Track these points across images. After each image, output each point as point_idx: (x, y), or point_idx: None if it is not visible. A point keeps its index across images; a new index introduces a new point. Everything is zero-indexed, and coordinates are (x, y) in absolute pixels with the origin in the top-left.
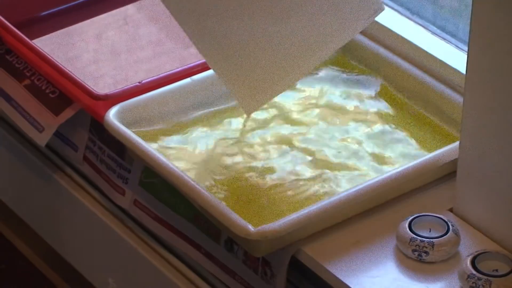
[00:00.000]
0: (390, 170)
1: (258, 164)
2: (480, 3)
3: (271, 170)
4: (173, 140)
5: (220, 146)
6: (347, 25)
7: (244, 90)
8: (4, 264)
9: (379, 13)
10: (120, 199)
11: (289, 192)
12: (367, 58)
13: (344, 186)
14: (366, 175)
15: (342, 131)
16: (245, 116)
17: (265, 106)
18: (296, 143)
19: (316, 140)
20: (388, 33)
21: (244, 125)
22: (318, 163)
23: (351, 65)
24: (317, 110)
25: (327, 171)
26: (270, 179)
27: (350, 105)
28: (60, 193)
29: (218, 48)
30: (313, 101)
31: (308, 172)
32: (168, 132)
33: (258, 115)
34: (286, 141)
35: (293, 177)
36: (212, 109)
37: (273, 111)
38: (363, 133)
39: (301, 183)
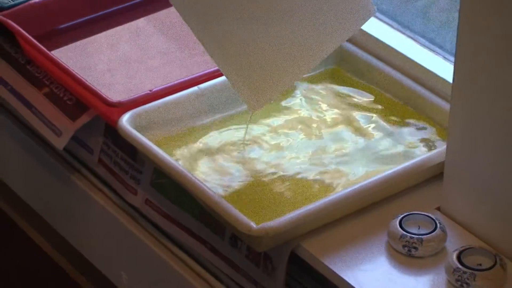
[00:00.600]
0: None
1: (261, 165)
2: (466, 18)
3: (276, 169)
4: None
5: (225, 149)
6: (343, 27)
7: (248, 88)
8: (23, 258)
9: (372, 16)
10: (133, 198)
11: (290, 191)
12: (361, 69)
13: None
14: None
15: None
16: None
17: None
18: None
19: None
20: (381, 44)
21: (245, 131)
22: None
23: (346, 77)
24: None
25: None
26: (272, 178)
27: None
28: (77, 193)
29: (224, 48)
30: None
31: (308, 173)
32: (176, 136)
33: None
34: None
35: (295, 177)
36: (218, 115)
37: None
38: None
39: (302, 182)
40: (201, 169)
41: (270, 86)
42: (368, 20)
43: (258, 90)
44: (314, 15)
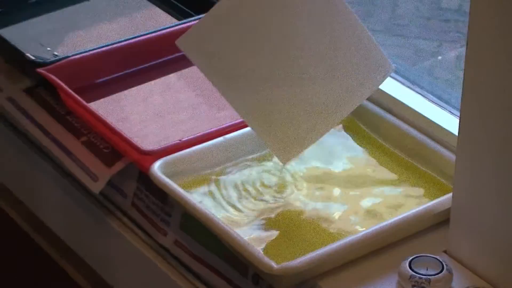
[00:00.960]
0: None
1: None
2: (470, 77)
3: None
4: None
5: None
6: (364, 84)
7: (278, 142)
8: None
9: (391, 72)
10: (163, 239)
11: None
12: (373, 121)
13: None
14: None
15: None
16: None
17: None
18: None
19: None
20: (392, 99)
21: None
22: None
23: (360, 128)
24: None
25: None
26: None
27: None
28: (111, 233)
29: (253, 108)
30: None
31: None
32: (204, 182)
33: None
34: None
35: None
36: (242, 163)
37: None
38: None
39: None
40: (226, 209)
41: (299, 140)
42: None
43: (288, 144)
44: (337, 73)
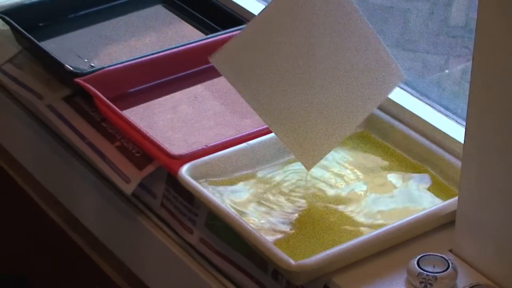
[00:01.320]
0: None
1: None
2: (475, 90)
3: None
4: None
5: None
6: (378, 91)
7: (302, 148)
8: (96, 285)
9: (402, 80)
10: (189, 237)
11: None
12: (385, 130)
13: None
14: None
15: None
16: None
17: None
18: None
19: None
20: (402, 109)
21: (305, 181)
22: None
23: (372, 138)
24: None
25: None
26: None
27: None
28: (142, 231)
29: (279, 117)
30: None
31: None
32: (228, 184)
33: None
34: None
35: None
36: (264, 167)
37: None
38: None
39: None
40: (249, 211)
41: (321, 145)
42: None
43: (310, 150)
44: (353, 82)
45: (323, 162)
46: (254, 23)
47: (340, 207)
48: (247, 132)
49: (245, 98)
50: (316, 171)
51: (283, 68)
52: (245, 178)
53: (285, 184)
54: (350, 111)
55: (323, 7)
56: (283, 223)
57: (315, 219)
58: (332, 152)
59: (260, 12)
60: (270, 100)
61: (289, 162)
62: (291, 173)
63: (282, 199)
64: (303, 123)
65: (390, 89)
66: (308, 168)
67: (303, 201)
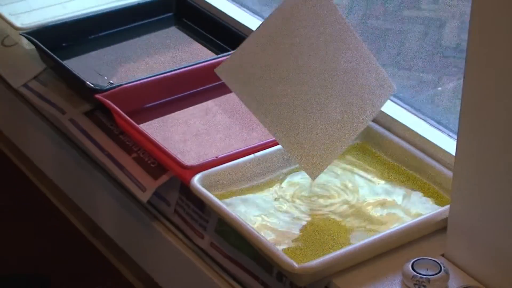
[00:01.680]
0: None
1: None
2: (467, 107)
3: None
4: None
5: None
6: (374, 103)
7: (306, 158)
8: (114, 286)
9: (393, 91)
10: (200, 241)
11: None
12: (382, 143)
13: None
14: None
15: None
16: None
17: None
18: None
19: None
20: (398, 124)
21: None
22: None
23: (370, 150)
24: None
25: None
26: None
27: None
28: (156, 236)
29: (284, 128)
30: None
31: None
32: (236, 193)
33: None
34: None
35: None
36: (269, 177)
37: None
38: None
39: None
40: (255, 216)
41: (324, 154)
42: (390, 104)
43: (315, 159)
44: (351, 95)
45: (327, 172)
46: (255, 35)
47: (341, 218)
48: (254, 145)
49: (250, 108)
50: (319, 180)
51: (285, 79)
52: (253, 187)
53: (289, 193)
54: (349, 122)
55: (318, 24)
56: (287, 230)
57: (318, 229)
58: (334, 164)
59: (261, 24)
60: (274, 110)
61: (294, 170)
62: (294, 183)
63: (286, 207)
64: (306, 133)
65: (383, 101)
66: (313, 177)
67: (307, 209)
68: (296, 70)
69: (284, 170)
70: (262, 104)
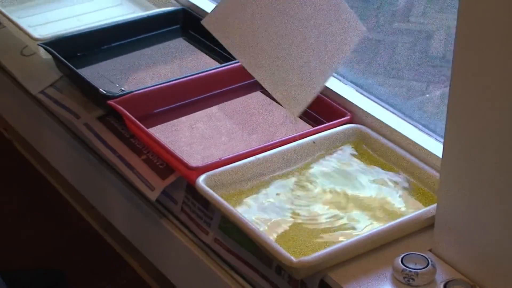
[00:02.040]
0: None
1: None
2: (453, 113)
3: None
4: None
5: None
6: (345, 43)
7: (288, 99)
8: (125, 280)
9: (362, 34)
10: (205, 237)
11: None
12: (374, 146)
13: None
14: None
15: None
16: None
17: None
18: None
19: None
20: (390, 129)
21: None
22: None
23: (364, 151)
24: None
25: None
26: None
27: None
28: (164, 232)
29: (267, 73)
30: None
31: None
32: (238, 192)
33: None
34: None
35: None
36: (267, 177)
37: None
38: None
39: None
40: (256, 213)
41: (303, 95)
42: (382, 110)
43: (296, 99)
44: (325, 38)
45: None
46: None
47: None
48: (255, 147)
49: (236, 56)
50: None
51: (265, 28)
52: (254, 187)
53: (292, 191)
54: (324, 63)
55: None
56: (286, 223)
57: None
58: (330, 166)
59: None
60: (258, 57)
61: (291, 172)
62: (290, 183)
63: (286, 203)
64: (286, 76)
65: (354, 42)
66: (295, 114)
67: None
68: (275, 19)
69: (283, 171)
70: (247, 52)
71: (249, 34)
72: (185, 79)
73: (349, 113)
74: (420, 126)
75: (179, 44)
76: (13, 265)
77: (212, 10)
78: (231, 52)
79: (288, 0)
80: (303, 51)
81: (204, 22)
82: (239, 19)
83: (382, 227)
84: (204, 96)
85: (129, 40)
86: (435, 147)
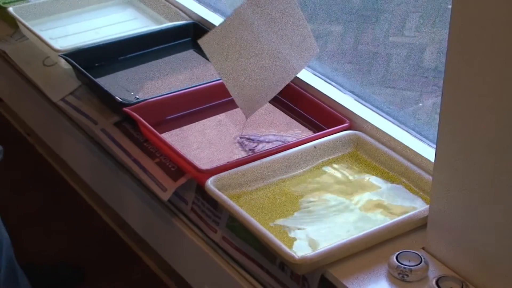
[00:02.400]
0: (385, 222)
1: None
2: (444, 118)
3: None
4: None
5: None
6: (300, 60)
7: (244, 101)
8: (139, 274)
9: (316, 54)
10: (214, 235)
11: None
12: (371, 151)
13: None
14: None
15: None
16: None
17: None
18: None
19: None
20: (385, 135)
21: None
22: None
23: (361, 157)
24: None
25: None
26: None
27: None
28: (175, 230)
29: (234, 79)
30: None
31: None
32: (245, 193)
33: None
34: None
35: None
36: (271, 180)
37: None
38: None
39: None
40: (261, 212)
41: (258, 100)
42: (378, 118)
43: (251, 103)
44: (279, 56)
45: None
46: (228, 19)
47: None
48: (260, 152)
49: (216, 68)
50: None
51: (243, 47)
52: (258, 189)
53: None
54: (279, 75)
55: (272, 8)
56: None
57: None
58: (330, 169)
59: (233, 11)
60: (233, 69)
61: (295, 176)
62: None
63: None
64: (248, 83)
65: (308, 60)
66: (247, 115)
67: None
68: (252, 44)
69: (287, 174)
70: (225, 65)
71: (231, 53)
72: (195, 88)
73: (347, 120)
74: (414, 133)
75: (190, 55)
76: (35, 259)
77: (208, 33)
78: (214, 67)
79: (263, 30)
80: (268, 68)
81: (201, 42)
82: (227, 42)
83: (379, 227)
84: (213, 104)
85: (143, 51)
86: (427, 152)
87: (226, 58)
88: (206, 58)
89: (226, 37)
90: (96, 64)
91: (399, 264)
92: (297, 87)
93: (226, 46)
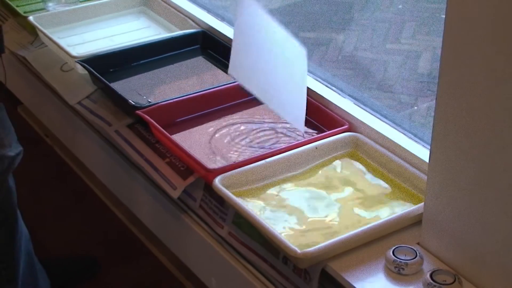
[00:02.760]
0: (382, 218)
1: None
2: (438, 123)
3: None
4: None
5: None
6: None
7: (294, 118)
8: (150, 267)
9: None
10: (220, 231)
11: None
12: (369, 152)
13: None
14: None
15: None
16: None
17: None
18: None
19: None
20: (383, 137)
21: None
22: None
23: (360, 157)
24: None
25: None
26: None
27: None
28: (184, 226)
29: (275, 100)
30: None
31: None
32: (250, 191)
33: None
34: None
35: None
36: (276, 179)
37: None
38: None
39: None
40: (266, 211)
41: (300, 113)
42: (376, 120)
43: (297, 117)
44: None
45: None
46: (235, 42)
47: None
48: (264, 152)
49: (252, 91)
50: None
51: (260, 64)
52: (264, 187)
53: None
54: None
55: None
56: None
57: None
58: (329, 169)
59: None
60: (269, 89)
61: (296, 176)
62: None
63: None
64: (286, 101)
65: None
66: (302, 129)
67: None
68: (266, 66)
69: (290, 173)
70: (259, 85)
71: (250, 70)
72: (204, 92)
73: (347, 123)
74: (410, 134)
75: (199, 61)
76: (53, 253)
77: (230, 62)
78: (247, 88)
79: (273, 60)
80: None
81: (230, 71)
82: (246, 64)
83: (376, 223)
84: (220, 107)
85: (155, 58)
86: (422, 153)
87: (253, 77)
88: (214, 64)
89: (246, 59)
90: (111, 70)
91: (396, 258)
92: None
93: (249, 68)
